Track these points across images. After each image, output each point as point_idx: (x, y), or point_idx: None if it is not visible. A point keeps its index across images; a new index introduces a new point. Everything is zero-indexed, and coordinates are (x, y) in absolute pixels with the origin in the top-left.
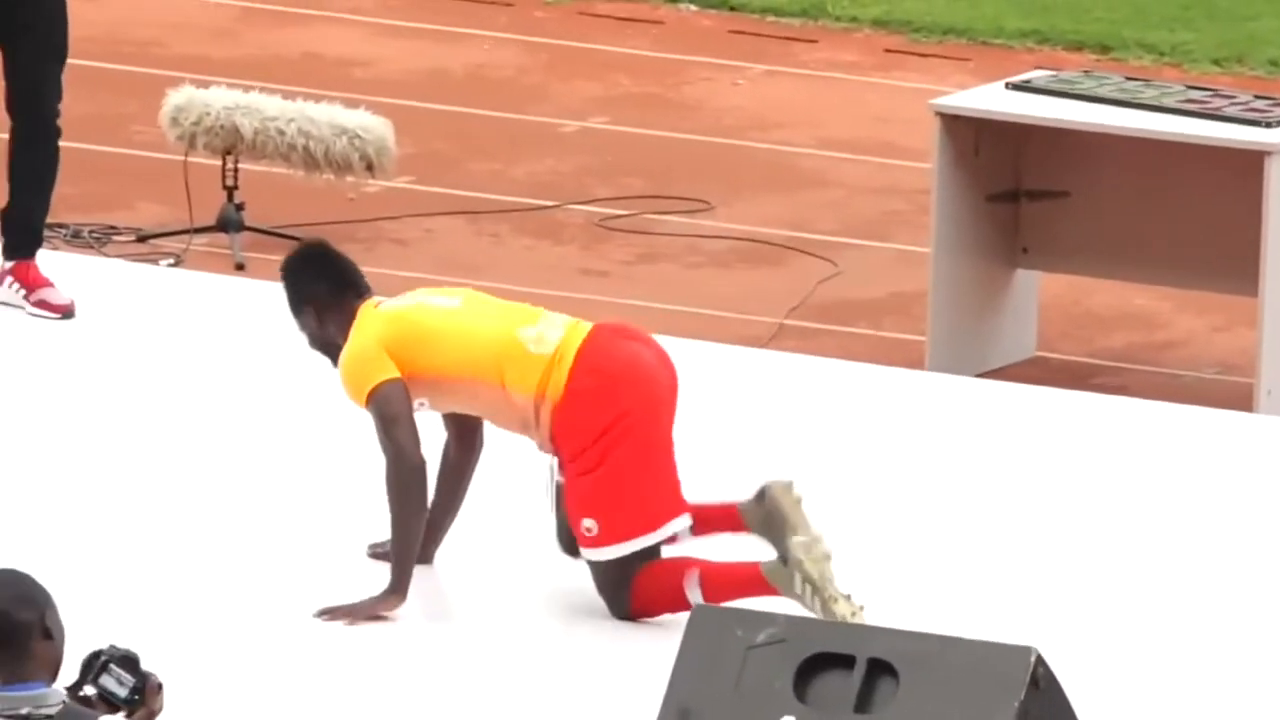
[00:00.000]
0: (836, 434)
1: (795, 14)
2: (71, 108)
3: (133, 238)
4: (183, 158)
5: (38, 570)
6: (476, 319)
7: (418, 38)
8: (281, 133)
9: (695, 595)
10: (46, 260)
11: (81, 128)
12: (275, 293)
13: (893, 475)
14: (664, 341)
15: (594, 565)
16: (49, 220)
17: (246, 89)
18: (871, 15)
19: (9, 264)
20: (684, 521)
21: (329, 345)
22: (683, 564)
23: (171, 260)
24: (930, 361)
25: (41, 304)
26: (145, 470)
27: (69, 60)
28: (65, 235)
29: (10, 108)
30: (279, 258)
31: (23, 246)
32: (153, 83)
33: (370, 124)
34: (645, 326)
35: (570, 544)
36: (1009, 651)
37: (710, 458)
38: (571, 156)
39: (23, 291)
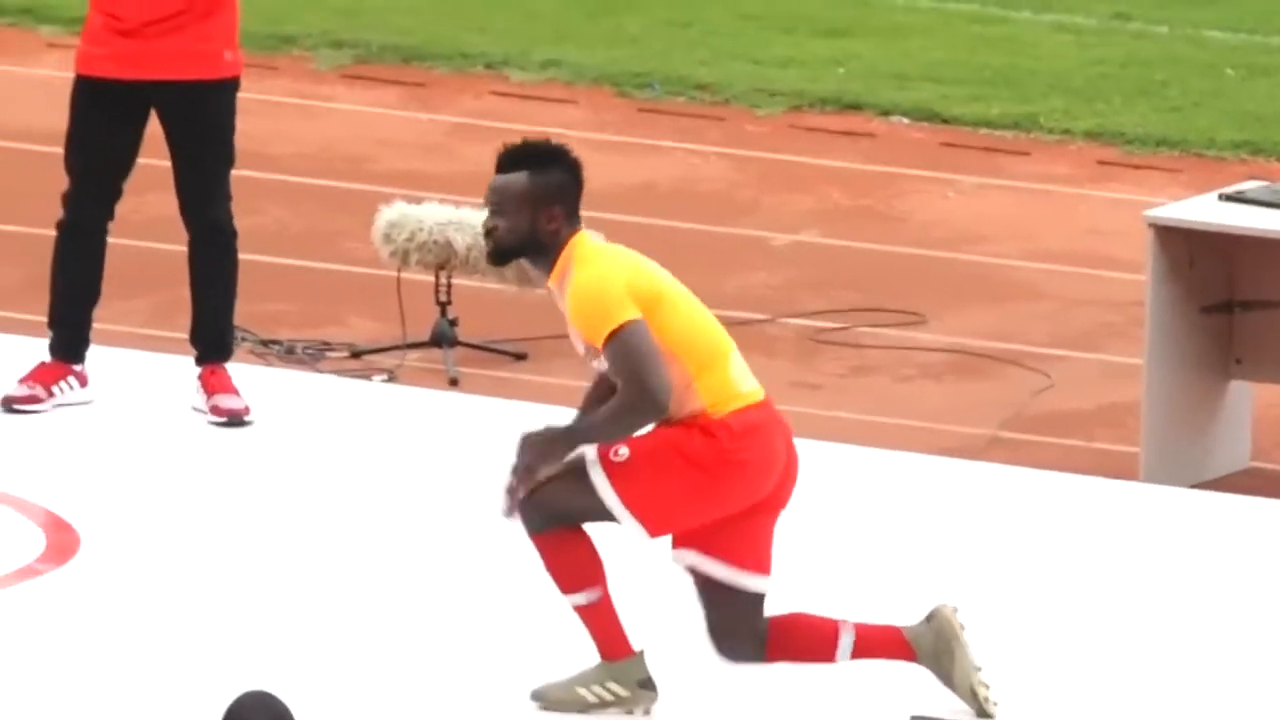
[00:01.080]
0: (1050, 546)
1: (1007, 126)
2: (285, 224)
3: (346, 354)
4: (396, 273)
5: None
6: (700, 309)
7: (629, 151)
8: None
9: (846, 648)
10: (258, 376)
11: (295, 243)
12: (490, 408)
13: (1109, 587)
14: (876, 454)
15: (733, 599)
16: (265, 337)
17: (459, 204)
18: (1084, 127)
19: (199, 370)
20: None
21: (534, 248)
22: (833, 620)
23: (385, 376)
24: (1144, 473)
25: (215, 409)
26: (357, 583)
27: (284, 177)
28: (279, 351)
29: (182, 213)
30: (493, 373)
31: (209, 353)
32: (366, 198)
33: None
34: (857, 439)
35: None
36: None
37: (923, 568)
38: (783, 269)
39: (204, 396)
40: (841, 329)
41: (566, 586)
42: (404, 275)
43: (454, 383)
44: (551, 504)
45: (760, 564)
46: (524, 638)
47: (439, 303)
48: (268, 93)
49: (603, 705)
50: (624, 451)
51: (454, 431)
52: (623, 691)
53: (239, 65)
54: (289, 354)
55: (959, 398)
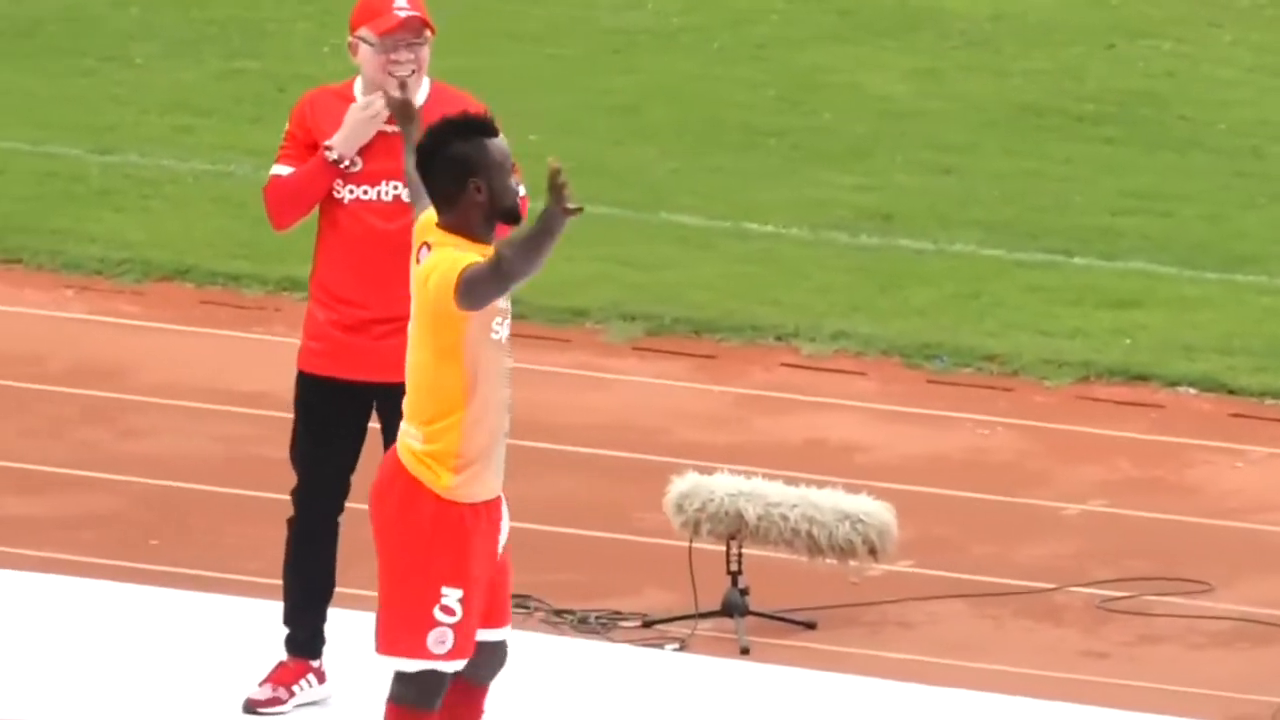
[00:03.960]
0: None
1: None
2: (574, 494)
3: (638, 623)
4: (687, 543)
5: None
6: None
7: (918, 423)
8: (785, 518)
9: None
10: (551, 645)
11: (585, 514)
12: (781, 677)
13: None
14: None
15: None
16: (558, 607)
17: (749, 475)
18: None
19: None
20: None
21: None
22: None
23: (676, 645)
24: None
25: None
26: None
27: (575, 448)
28: (572, 621)
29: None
30: (784, 642)
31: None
32: (656, 469)
33: (872, 509)
34: (1146, 707)
35: None
36: None
37: None
38: (1072, 539)
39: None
40: (1130, 597)
41: None
42: (695, 545)
43: (745, 652)
44: None
45: None
46: None
47: (730, 572)
48: (559, 365)
49: None
50: None
51: (745, 701)
52: None
53: None
54: (581, 623)
55: (1248, 666)
